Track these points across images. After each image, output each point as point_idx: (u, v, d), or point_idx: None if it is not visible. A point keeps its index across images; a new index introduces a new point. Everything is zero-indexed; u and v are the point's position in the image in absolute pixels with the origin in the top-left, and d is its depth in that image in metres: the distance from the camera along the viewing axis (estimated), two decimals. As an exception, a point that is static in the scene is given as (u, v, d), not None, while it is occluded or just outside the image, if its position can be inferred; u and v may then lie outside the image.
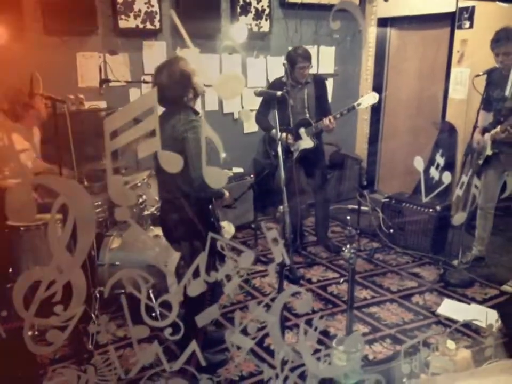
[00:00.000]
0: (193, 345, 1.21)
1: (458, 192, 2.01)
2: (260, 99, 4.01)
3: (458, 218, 1.46)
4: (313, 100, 3.98)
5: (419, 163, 1.46)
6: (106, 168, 1.03)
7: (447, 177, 1.43)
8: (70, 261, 1.00)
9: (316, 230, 4.53)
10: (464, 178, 2.15)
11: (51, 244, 1.04)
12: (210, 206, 2.62)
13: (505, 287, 3.59)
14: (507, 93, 3.13)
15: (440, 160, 1.53)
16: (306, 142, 3.99)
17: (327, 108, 4.04)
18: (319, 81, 4.08)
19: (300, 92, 3.97)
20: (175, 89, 2.44)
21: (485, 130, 3.59)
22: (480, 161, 3.64)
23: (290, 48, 4.13)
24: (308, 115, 3.98)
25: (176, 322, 1.21)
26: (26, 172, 1.05)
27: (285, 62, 3.83)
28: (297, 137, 3.98)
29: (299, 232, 4.25)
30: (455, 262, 3.80)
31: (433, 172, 1.48)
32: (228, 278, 1.19)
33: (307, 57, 3.85)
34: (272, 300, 1.33)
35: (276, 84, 3.91)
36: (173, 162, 1.02)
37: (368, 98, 3.86)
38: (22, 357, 1.91)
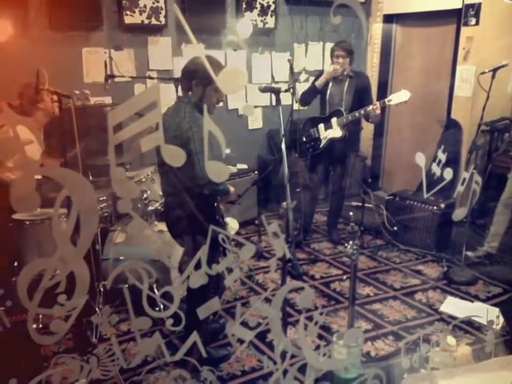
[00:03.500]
0: (194, 337, 1.22)
1: (459, 188, 2.00)
2: (263, 95, 4.04)
3: (459, 213, 1.46)
4: (352, 94, 4.04)
5: (421, 159, 1.46)
6: (110, 162, 1.04)
7: (448, 173, 1.42)
8: (73, 252, 1.01)
9: (328, 219, 4.62)
10: (466, 174, 2.14)
11: (55, 236, 1.05)
12: (215, 203, 2.62)
13: None
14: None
15: (442, 156, 1.53)
16: (336, 131, 4.04)
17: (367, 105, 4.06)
18: (362, 77, 4.15)
19: (341, 84, 4.05)
20: (182, 83, 2.49)
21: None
22: None
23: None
24: (343, 107, 4.03)
25: (177, 313, 1.22)
26: (31, 164, 1.06)
27: (290, 57, 3.86)
28: (329, 126, 4.06)
29: (303, 228, 4.26)
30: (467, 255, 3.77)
31: (435, 168, 1.48)
32: (229, 271, 1.20)
33: (343, 48, 3.94)
34: (274, 294, 1.34)
35: (321, 74, 4.08)
36: (175, 156, 1.03)
37: (400, 96, 3.79)
38: (26, 348, 1.94)
